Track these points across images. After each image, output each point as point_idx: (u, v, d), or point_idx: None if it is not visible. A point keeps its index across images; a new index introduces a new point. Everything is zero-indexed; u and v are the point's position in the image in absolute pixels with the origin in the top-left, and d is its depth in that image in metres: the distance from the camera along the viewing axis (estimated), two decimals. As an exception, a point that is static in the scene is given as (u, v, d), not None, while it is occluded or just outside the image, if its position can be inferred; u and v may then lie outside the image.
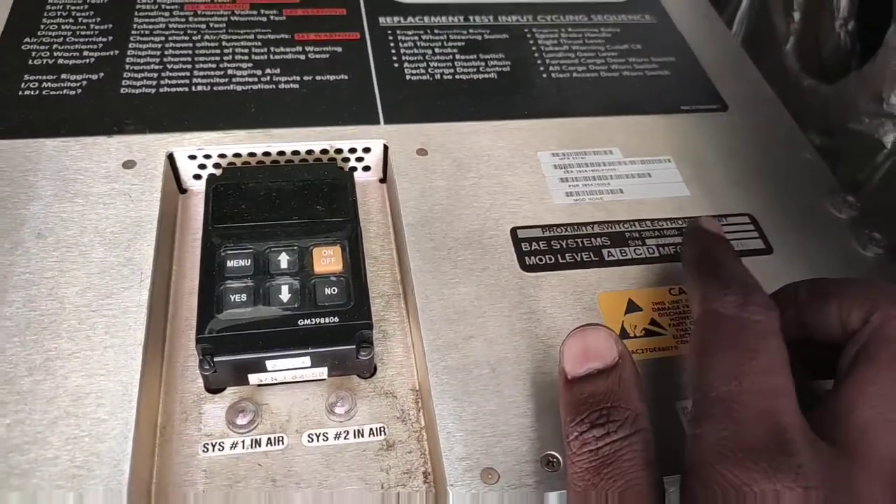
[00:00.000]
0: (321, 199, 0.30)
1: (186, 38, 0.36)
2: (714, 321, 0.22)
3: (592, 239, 0.30)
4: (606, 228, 0.30)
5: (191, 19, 0.37)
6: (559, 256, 0.29)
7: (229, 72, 0.35)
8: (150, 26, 0.36)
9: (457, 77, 0.36)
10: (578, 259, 0.29)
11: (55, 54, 0.34)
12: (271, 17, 0.38)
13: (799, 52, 0.50)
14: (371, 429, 0.26)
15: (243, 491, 0.24)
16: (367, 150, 0.33)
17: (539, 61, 0.38)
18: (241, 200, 0.29)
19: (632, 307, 0.28)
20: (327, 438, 0.26)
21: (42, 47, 0.34)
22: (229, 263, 0.27)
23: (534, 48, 0.38)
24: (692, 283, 0.25)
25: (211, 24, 0.37)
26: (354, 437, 0.26)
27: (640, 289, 0.28)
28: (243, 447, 0.25)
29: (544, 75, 0.37)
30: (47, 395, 0.23)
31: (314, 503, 0.24)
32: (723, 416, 0.19)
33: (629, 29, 0.41)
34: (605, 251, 0.29)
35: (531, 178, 0.32)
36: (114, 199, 0.29)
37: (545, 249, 0.29)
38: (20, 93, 0.32)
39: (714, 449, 0.19)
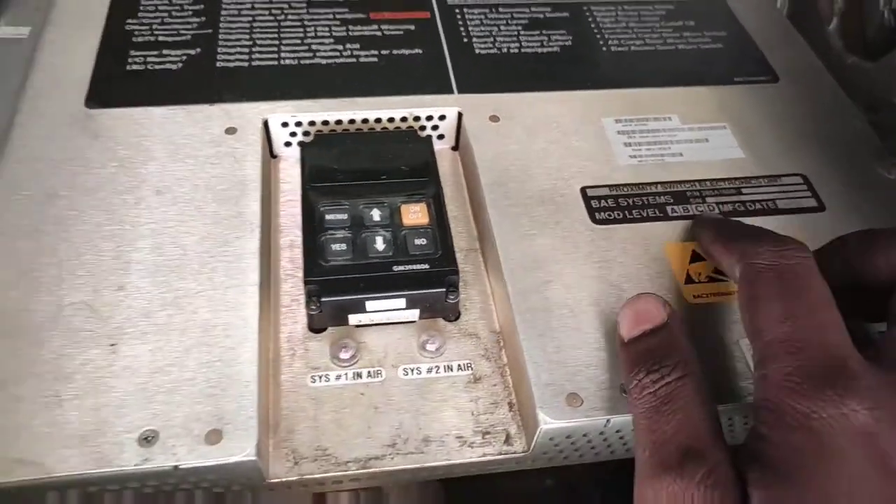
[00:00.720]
0: (404, 162, 0.32)
1: (272, 17, 0.39)
2: (755, 273, 0.23)
3: (656, 197, 0.32)
4: (669, 188, 0.33)
5: (274, 0, 0.40)
6: (626, 212, 0.31)
7: (313, 47, 0.37)
8: (238, 6, 0.39)
9: (522, 51, 0.39)
10: (644, 215, 0.31)
11: (155, 33, 0.37)
12: (348, -2, 0.41)
13: (843, 30, 0.51)
14: (459, 364, 0.29)
15: (350, 415, 0.27)
16: (442, 117, 0.35)
17: (598, 36, 0.40)
18: (333, 163, 0.32)
19: (696, 257, 0.30)
20: (420, 372, 0.29)
21: (143, 27, 0.38)
22: (328, 217, 0.30)
23: (593, 25, 0.41)
24: (722, 253, 0.26)
25: (292, 4, 0.40)
26: (444, 371, 0.29)
27: (702, 241, 0.31)
28: (346, 379, 0.28)
29: (604, 49, 0.39)
30: (180, 327, 0.27)
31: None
32: (783, 354, 0.21)
33: (682, 6, 0.43)
34: (668, 208, 0.32)
35: (597, 142, 0.34)
36: (220, 160, 0.32)
37: (613, 206, 0.32)
38: (128, 67, 0.35)
39: (780, 385, 0.21)
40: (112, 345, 0.26)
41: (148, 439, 0.24)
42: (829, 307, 0.22)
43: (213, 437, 0.24)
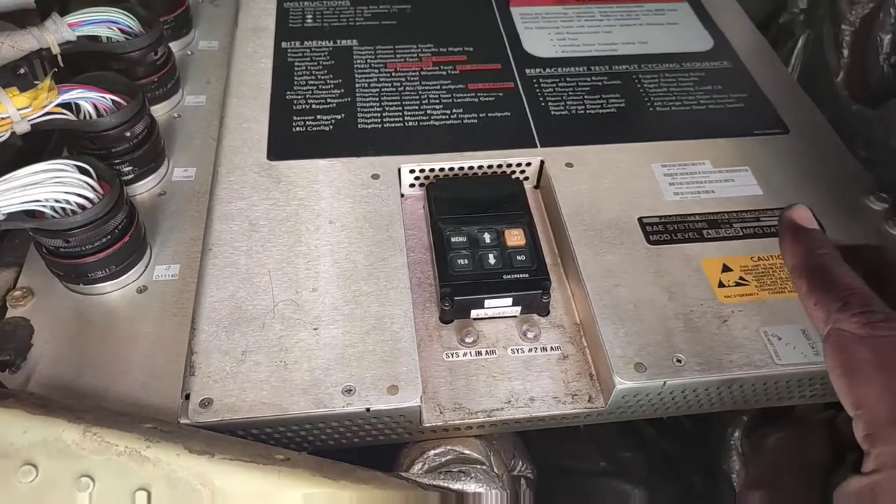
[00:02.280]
0: (503, 198, 0.44)
1: (393, 88, 0.51)
2: (847, 343, 0.24)
3: (695, 223, 0.43)
4: (705, 217, 0.43)
5: (394, 75, 0.52)
6: (672, 235, 0.42)
7: (428, 111, 0.49)
8: (367, 80, 0.51)
9: (587, 112, 0.50)
10: (686, 237, 0.42)
11: (309, 102, 0.49)
12: (449, 72, 0.52)
13: (848, 82, 0.62)
14: (551, 346, 0.40)
15: (475, 381, 0.38)
16: (528, 164, 0.47)
17: (646, 99, 0.51)
18: (452, 200, 0.43)
19: (725, 268, 0.41)
20: (524, 352, 0.39)
21: (299, 97, 0.50)
22: (453, 239, 0.41)
23: (641, 90, 0.52)
24: (805, 293, 0.27)
25: (408, 78, 0.52)
26: (540, 351, 0.39)
27: (730, 256, 0.41)
28: (471, 356, 0.39)
29: (651, 109, 0.50)
30: (360, 316, 0.38)
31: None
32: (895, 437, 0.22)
33: (711, 72, 0.54)
34: (704, 231, 0.43)
35: (648, 182, 0.45)
36: (371, 199, 0.43)
37: (663, 231, 0.42)
38: (293, 129, 0.47)
39: None
40: (315, 329, 0.37)
41: (349, 391, 0.35)
42: None
43: (392, 390, 0.35)
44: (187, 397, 0.35)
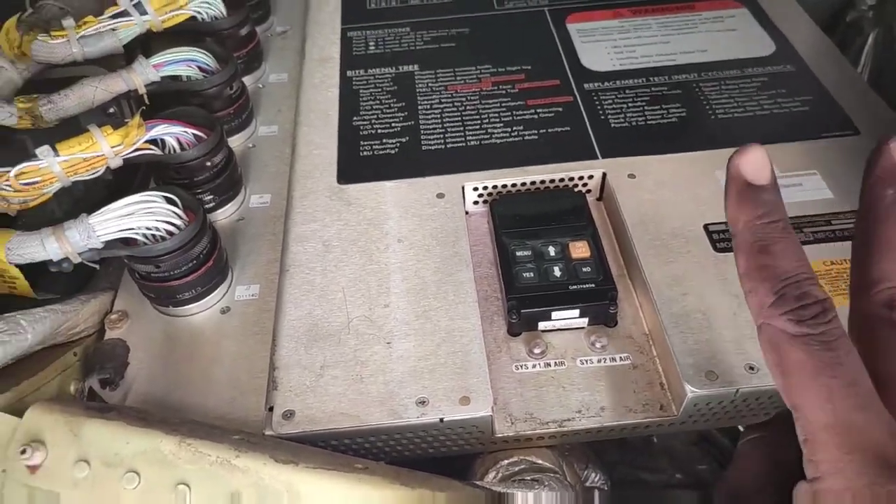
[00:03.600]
0: (566, 211, 0.44)
1: (454, 109, 0.52)
2: (780, 341, 0.22)
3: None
4: (772, 222, 0.43)
5: (454, 96, 0.54)
6: (740, 242, 0.42)
7: (489, 130, 0.50)
8: (429, 103, 0.53)
9: (648, 122, 0.50)
10: (754, 243, 0.42)
11: (374, 127, 0.52)
12: (508, 90, 0.54)
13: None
14: (620, 356, 0.40)
15: (545, 391, 0.39)
16: (590, 177, 0.47)
17: (707, 107, 0.51)
18: (516, 215, 0.44)
19: (796, 274, 0.40)
20: (592, 362, 0.40)
21: (365, 122, 0.52)
22: (518, 254, 0.42)
23: (701, 97, 0.52)
24: (742, 274, 0.24)
25: (469, 98, 0.53)
26: (609, 361, 0.40)
27: (801, 262, 0.41)
28: (539, 367, 0.40)
29: (712, 117, 0.50)
30: (430, 330, 0.39)
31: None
32: (831, 446, 0.21)
33: (774, 77, 0.53)
34: (773, 238, 0.42)
35: (712, 190, 0.45)
36: (436, 217, 0.45)
37: (729, 238, 0.42)
38: (361, 153, 0.50)
39: (834, 479, 0.21)
40: (388, 342, 0.39)
41: (423, 402, 0.36)
42: (863, 379, 0.21)
43: (464, 401, 0.36)
44: (271, 410, 0.36)
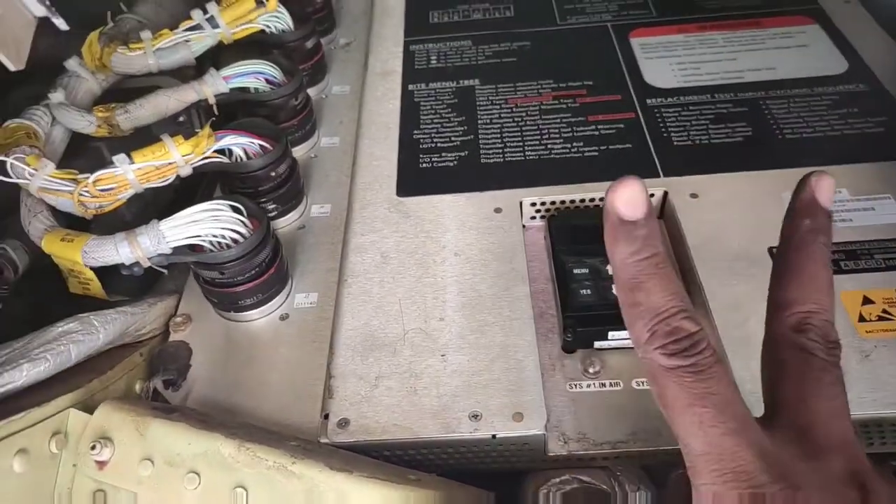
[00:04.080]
0: (626, 229, 0.44)
1: (515, 124, 0.53)
2: (657, 375, 0.24)
3: (832, 254, 0.41)
4: (842, 247, 0.41)
5: (514, 110, 0.54)
6: (806, 266, 0.41)
7: (548, 146, 0.50)
8: (489, 116, 0.53)
9: (712, 142, 0.49)
10: (822, 268, 0.40)
11: (434, 140, 0.52)
12: (569, 105, 0.53)
13: None
14: (677, 379, 0.39)
15: (599, 412, 0.38)
16: (651, 195, 0.47)
17: (774, 126, 0.50)
18: (573, 231, 0.44)
19: (866, 301, 0.39)
20: (648, 385, 0.39)
21: (425, 136, 0.52)
22: (575, 271, 0.42)
23: (768, 116, 0.51)
24: (623, 311, 0.26)
25: (529, 112, 0.53)
26: (667, 384, 0.39)
27: (871, 288, 0.39)
28: (594, 387, 0.39)
29: (779, 137, 0.49)
30: (484, 345, 0.39)
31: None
32: (706, 471, 0.23)
33: (846, 96, 0.52)
34: (841, 263, 0.41)
35: (778, 211, 0.43)
36: (494, 231, 0.45)
37: (795, 262, 0.41)
38: (420, 166, 0.50)
39: None
40: (443, 356, 0.39)
41: (476, 417, 0.36)
42: (735, 405, 0.23)
43: (517, 417, 0.36)
44: (326, 417, 0.37)
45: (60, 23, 0.43)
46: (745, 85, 0.53)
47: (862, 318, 0.38)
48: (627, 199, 0.25)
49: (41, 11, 0.46)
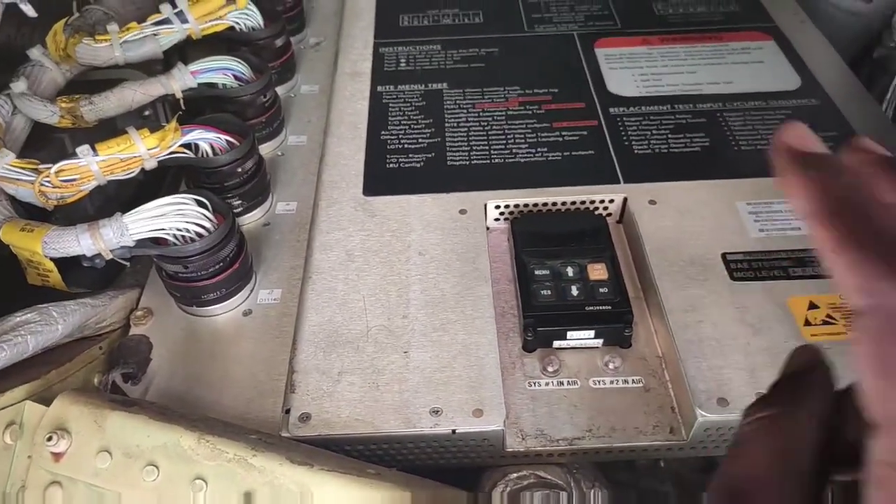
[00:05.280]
0: (586, 233, 0.45)
1: (481, 128, 0.53)
2: (894, 328, 0.16)
3: (781, 261, 0.43)
4: (791, 255, 0.43)
5: (481, 115, 0.55)
6: (757, 272, 0.42)
7: (513, 150, 0.51)
8: (456, 120, 0.54)
9: (671, 150, 0.51)
10: (772, 274, 0.42)
11: (402, 141, 0.53)
12: (534, 111, 0.55)
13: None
14: (632, 378, 0.40)
15: (557, 409, 0.39)
16: (611, 201, 0.48)
17: (731, 138, 0.52)
18: (536, 234, 0.45)
19: (812, 306, 0.40)
20: (605, 383, 0.40)
21: (393, 137, 0.53)
22: (536, 272, 0.43)
23: (725, 128, 0.52)
24: (832, 250, 0.17)
25: (495, 117, 0.54)
26: (622, 383, 0.40)
27: (817, 294, 0.41)
28: (552, 385, 0.40)
29: (735, 148, 0.51)
30: (446, 343, 0.40)
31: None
32: None
33: (799, 110, 0.54)
34: (790, 269, 0.42)
35: (732, 219, 0.46)
36: (458, 232, 0.46)
37: (747, 268, 0.43)
38: (387, 166, 0.51)
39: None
40: (405, 352, 0.39)
41: (436, 412, 0.37)
42: None
43: (477, 413, 0.37)
44: (287, 412, 0.37)
45: (28, 9, 0.43)
46: (704, 97, 0.55)
47: (808, 323, 0.40)
48: (800, 134, 0.20)
49: (8, -2, 0.46)
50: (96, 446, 0.33)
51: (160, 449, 0.32)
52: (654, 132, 0.52)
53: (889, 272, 0.16)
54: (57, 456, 0.32)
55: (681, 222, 0.45)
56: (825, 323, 0.40)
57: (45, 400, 0.35)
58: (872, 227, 0.17)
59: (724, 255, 0.43)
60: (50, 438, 0.32)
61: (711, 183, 0.48)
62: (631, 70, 0.59)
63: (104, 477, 0.32)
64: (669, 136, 0.52)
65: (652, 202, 0.47)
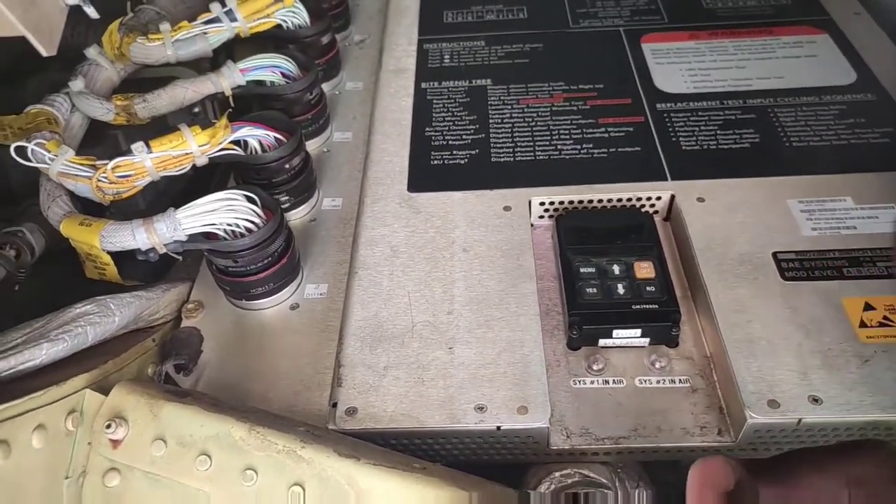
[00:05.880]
0: (633, 230, 0.44)
1: (526, 124, 0.53)
2: None
3: (834, 261, 0.42)
4: (845, 254, 0.42)
5: (526, 110, 0.54)
6: (809, 272, 0.41)
7: (558, 146, 0.51)
8: (501, 116, 0.54)
9: (720, 147, 0.50)
10: (825, 274, 0.41)
11: (446, 138, 0.53)
12: (579, 107, 0.54)
13: None
14: (679, 378, 0.40)
15: (602, 408, 0.39)
16: (658, 198, 0.47)
17: (782, 134, 0.50)
18: (582, 231, 0.45)
19: (868, 307, 0.39)
20: (651, 382, 0.40)
21: (437, 133, 0.53)
22: (581, 270, 0.43)
23: (776, 123, 0.51)
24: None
25: (540, 113, 0.54)
26: (669, 383, 0.40)
27: (873, 295, 0.40)
28: (598, 384, 0.40)
29: (787, 144, 0.50)
30: (491, 340, 0.40)
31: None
32: None
33: (854, 106, 0.52)
34: (844, 269, 0.41)
35: (783, 217, 0.45)
36: (503, 229, 0.46)
37: (799, 267, 0.42)
38: (431, 163, 0.51)
39: None
40: (450, 348, 0.40)
41: (481, 408, 0.37)
42: None
43: (522, 410, 0.37)
44: (334, 405, 0.38)
45: (91, 11, 0.44)
46: (754, 92, 0.54)
47: (863, 324, 0.39)
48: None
49: (75, -1, 0.47)
50: (152, 435, 0.34)
51: (212, 439, 0.33)
52: (702, 128, 0.51)
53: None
54: (115, 443, 0.34)
55: (730, 220, 0.45)
56: (882, 325, 0.39)
57: (103, 389, 0.36)
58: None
59: (774, 255, 0.42)
60: (109, 426, 0.33)
61: (762, 180, 0.47)
62: (678, 65, 0.58)
63: (159, 465, 0.33)
64: (718, 132, 0.51)
65: (700, 199, 0.46)
